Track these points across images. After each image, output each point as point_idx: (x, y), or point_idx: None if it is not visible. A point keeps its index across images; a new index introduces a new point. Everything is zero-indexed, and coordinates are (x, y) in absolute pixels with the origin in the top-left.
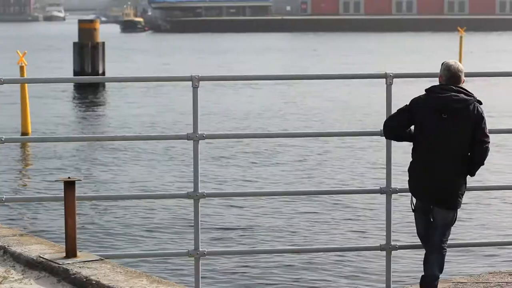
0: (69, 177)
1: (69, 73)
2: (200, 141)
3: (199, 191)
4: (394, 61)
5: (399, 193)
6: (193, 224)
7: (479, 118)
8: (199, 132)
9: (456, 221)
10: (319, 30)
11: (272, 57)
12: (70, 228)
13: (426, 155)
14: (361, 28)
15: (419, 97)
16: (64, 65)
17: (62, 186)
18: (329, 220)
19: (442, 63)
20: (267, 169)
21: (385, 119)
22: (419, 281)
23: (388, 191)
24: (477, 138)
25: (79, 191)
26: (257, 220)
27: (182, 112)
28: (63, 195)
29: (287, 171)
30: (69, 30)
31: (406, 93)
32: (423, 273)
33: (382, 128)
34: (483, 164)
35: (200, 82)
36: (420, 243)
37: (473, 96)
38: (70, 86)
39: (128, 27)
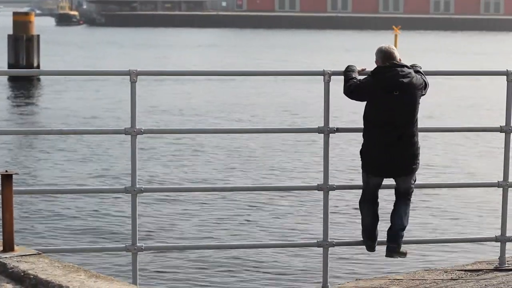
0: (6, 170)
1: (3, 66)
2: (138, 136)
3: (137, 186)
4: (329, 59)
5: (336, 190)
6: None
7: (423, 83)
8: (137, 127)
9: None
10: (254, 27)
11: (208, 53)
12: (7, 222)
13: (384, 133)
14: (297, 25)
15: (366, 80)
16: None
17: None
18: (266, 216)
19: (375, 52)
20: (206, 164)
21: (346, 90)
22: (355, 278)
23: (325, 187)
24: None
25: (16, 185)
26: (195, 215)
27: (120, 107)
28: None
29: (225, 167)
30: (3, 22)
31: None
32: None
33: (320, 125)
34: None
35: (138, 76)
36: (357, 240)
37: (411, 66)
38: (4, 79)
39: (63, 20)
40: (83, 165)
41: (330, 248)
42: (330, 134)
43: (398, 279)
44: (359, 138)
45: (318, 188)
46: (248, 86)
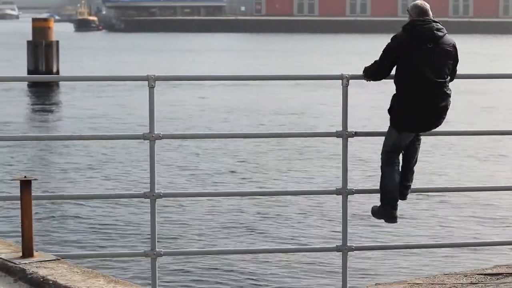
0: (25, 176)
1: (23, 72)
2: (156, 141)
3: (156, 191)
4: (348, 63)
5: (355, 194)
6: (149, 224)
7: (454, 44)
8: (156, 132)
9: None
10: (273, 31)
11: (227, 57)
12: (27, 227)
13: (420, 87)
14: (315, 29)
15: (399, 35)
16: (18, 63)
17: (18, 185)
18: (285, 220)
19: (407, 9)
20: (224, 169)
21: (370, 66)
22: (375, 283)
23: (344, 192)
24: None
25: (35, 191)
26: (214, 220)
27: (139, 112)
28: (19, 194)
29: (243, 171)
30: (23, 28)
31: (362, 95)
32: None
33: (338, 129)
34: None
35: (156, 81)
36: (377, 245)
37: None
38: (24, 85)
39: (82, 26)
40: (102, 170)
41: (349, 253)
42: (348, 138)
43: (418, 284)
44: (378, 141)
45: (337, 192)
46: (267, 91)
